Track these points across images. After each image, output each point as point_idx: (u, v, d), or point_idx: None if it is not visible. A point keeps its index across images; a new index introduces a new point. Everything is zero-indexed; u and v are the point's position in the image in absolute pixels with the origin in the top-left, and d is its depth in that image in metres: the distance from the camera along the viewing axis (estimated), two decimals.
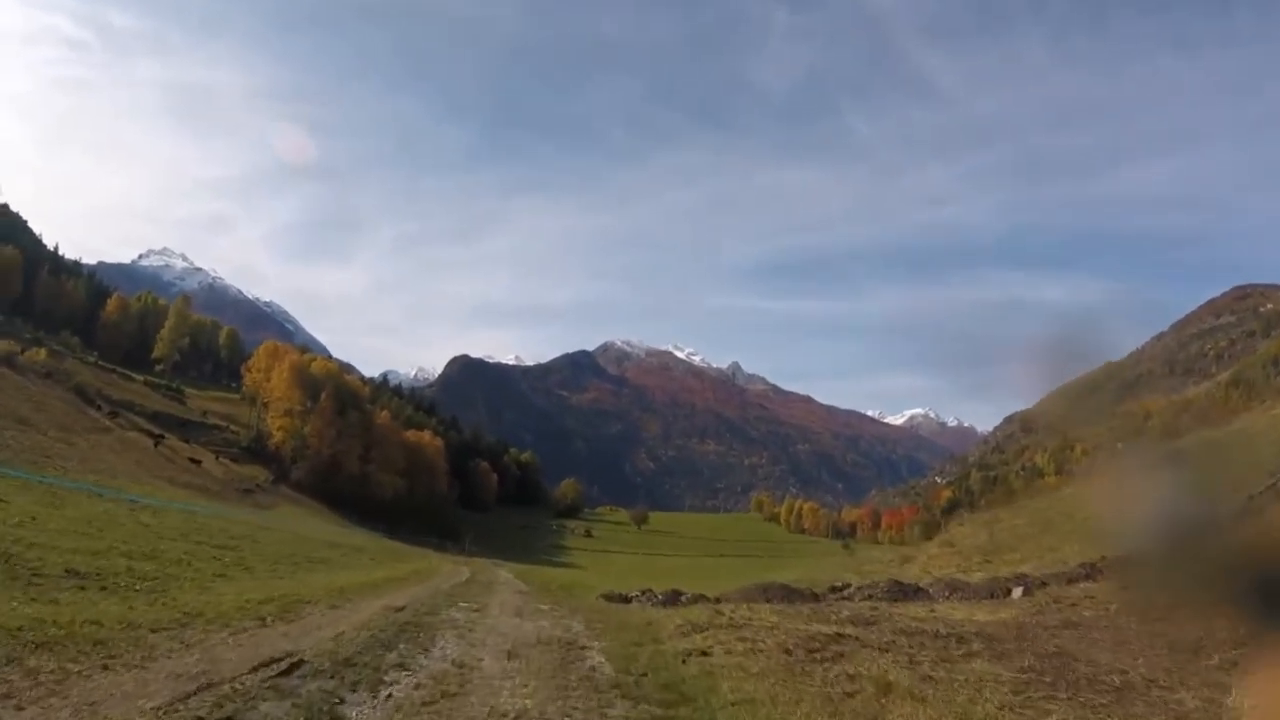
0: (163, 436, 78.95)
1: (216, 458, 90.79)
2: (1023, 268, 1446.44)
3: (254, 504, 73.29)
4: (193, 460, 76.27)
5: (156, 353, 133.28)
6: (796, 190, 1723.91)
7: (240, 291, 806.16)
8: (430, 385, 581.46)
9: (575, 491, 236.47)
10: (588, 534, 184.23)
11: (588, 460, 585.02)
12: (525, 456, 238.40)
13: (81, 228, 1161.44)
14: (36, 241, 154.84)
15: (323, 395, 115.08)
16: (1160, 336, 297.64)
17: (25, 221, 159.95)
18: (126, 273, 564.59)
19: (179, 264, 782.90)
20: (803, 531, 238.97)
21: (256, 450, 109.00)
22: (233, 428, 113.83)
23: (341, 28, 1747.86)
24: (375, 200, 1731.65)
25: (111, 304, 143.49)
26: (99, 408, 73.19)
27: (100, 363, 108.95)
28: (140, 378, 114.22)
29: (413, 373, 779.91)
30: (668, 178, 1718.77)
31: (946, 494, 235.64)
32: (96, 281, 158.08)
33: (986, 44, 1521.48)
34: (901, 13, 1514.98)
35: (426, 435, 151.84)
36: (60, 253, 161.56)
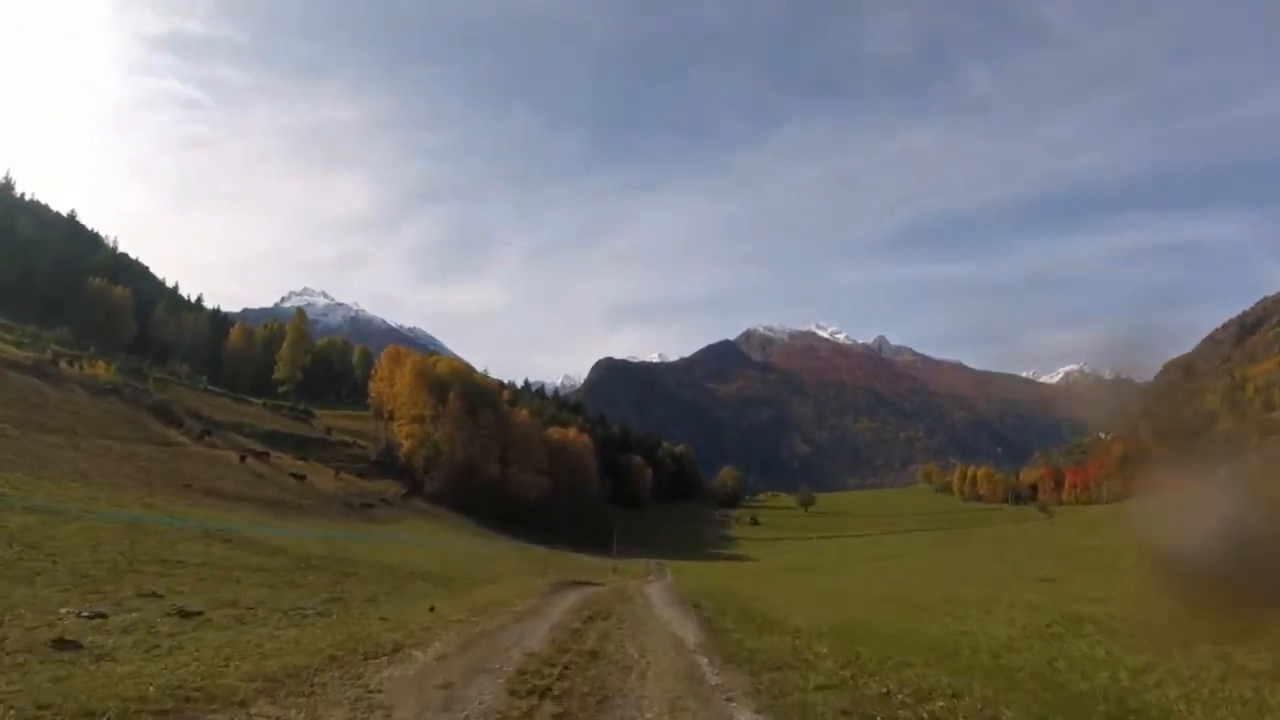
0: (264, 454, 72.62)
1: (336, 474, 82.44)
2: (1162, 209, 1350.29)
3: (366, 519, 62.93)
4: (295, 476, 67.50)
5: (277, 374, 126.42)
6: (922, 155, 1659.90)
7: (384, 321, 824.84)
8: (577, 390, 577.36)
9: (735, 479, 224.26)
10: (754, 521, 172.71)
11: (741, 449, 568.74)
12: (680, 449, 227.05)
13: (224, 280, 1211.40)
14: (153, 282, 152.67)
15: (451, 396, 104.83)
16: None
17: (144, 266, 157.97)
18: (270, 315, 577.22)
19: (321, 301, 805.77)
20: (978, 499, 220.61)
21: (386, 464, 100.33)
22: (360, 443, 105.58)
23: (443, 53, 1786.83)
24: (502, 215, 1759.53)
25: (234, 333, 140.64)
26: (180, 425, 66.67)
27: (210, 388, 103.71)
28: (260, 401, 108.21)
29: (559, 381, 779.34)
30: (789, 157, 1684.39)
31: (1118, 448, 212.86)
32: (220, 315, 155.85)
33: None
34: None
35: (572, 432, 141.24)
36: (181, 292, 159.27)
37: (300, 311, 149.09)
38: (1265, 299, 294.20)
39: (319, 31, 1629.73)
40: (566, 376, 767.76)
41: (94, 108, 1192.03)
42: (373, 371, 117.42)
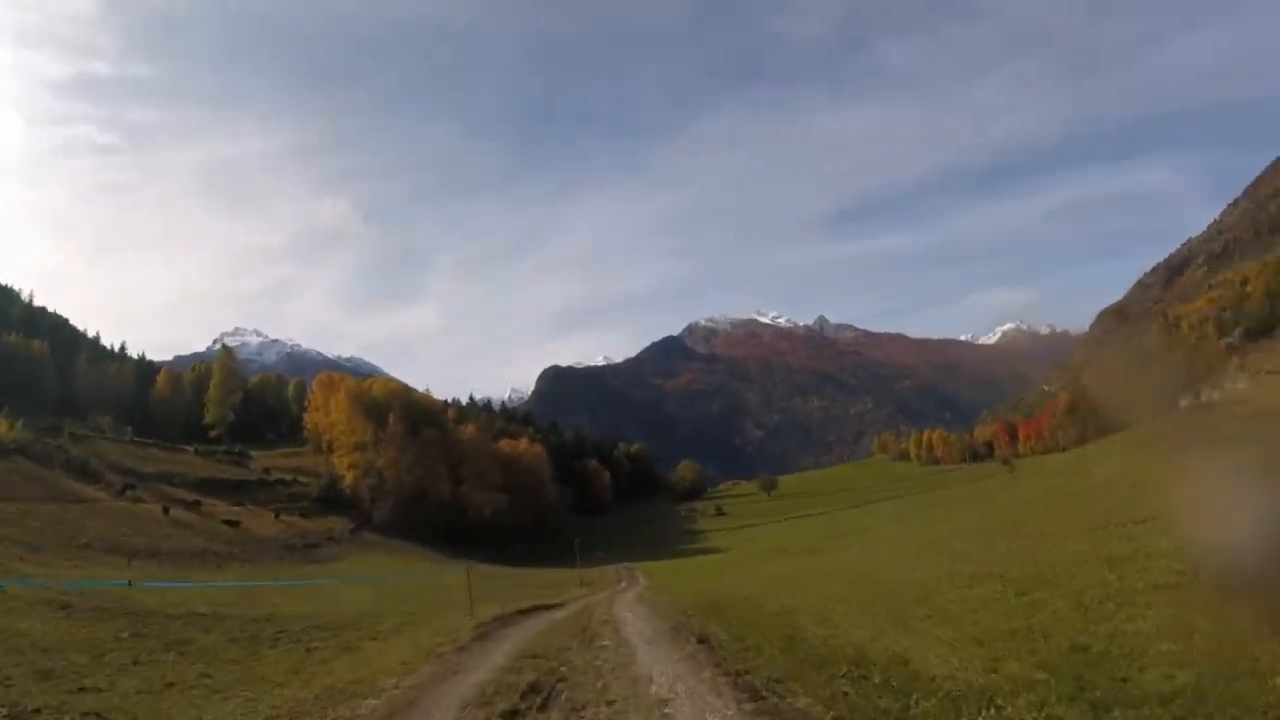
0: (195, 502, 68.11)
1: (276, 516, 77.33)
2: (1088, 164, 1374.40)
3: (308, 560, 58.58)
4: (228, 523, 62.74)
5: (207, 417, 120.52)
6: (848, 133, 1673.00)
7: (319, 353, 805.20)
8: (525, 401, 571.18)
9: (694, 472, 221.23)
10: (719, 511, 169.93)
11: (696, 442, 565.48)
12: (635, 448, 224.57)
13: (153, 327, 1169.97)
14: (73, 334, 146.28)
15: (391, 418, 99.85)
16: (1235, 203, 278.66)
17: (63, 318, 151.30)
18: (203, 359, 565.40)
19: (254, 340, 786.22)
20: (936, 462, 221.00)
21: (330, 499, 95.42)
22: (301, 480, 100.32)
23: (352, 73, 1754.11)
24: (431, 232, 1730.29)
25: (160, 380, 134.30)
26: (99, 481, 62.32)
27: (137, 439, 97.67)
28: (191, 448, 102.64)
29: (506, 393, 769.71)
30: (715, 146, 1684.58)
31: (1064, 398, 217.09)
32: (145, 363, 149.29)
33: None
34: None
35: (523, 443, 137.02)
36: (103, 342, 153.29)
37: (225, 348, 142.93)
38: (1191, 240, 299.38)
39: (227, 62, 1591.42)
40: (514, 389, 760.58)
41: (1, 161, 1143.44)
42: (307, 403, 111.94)
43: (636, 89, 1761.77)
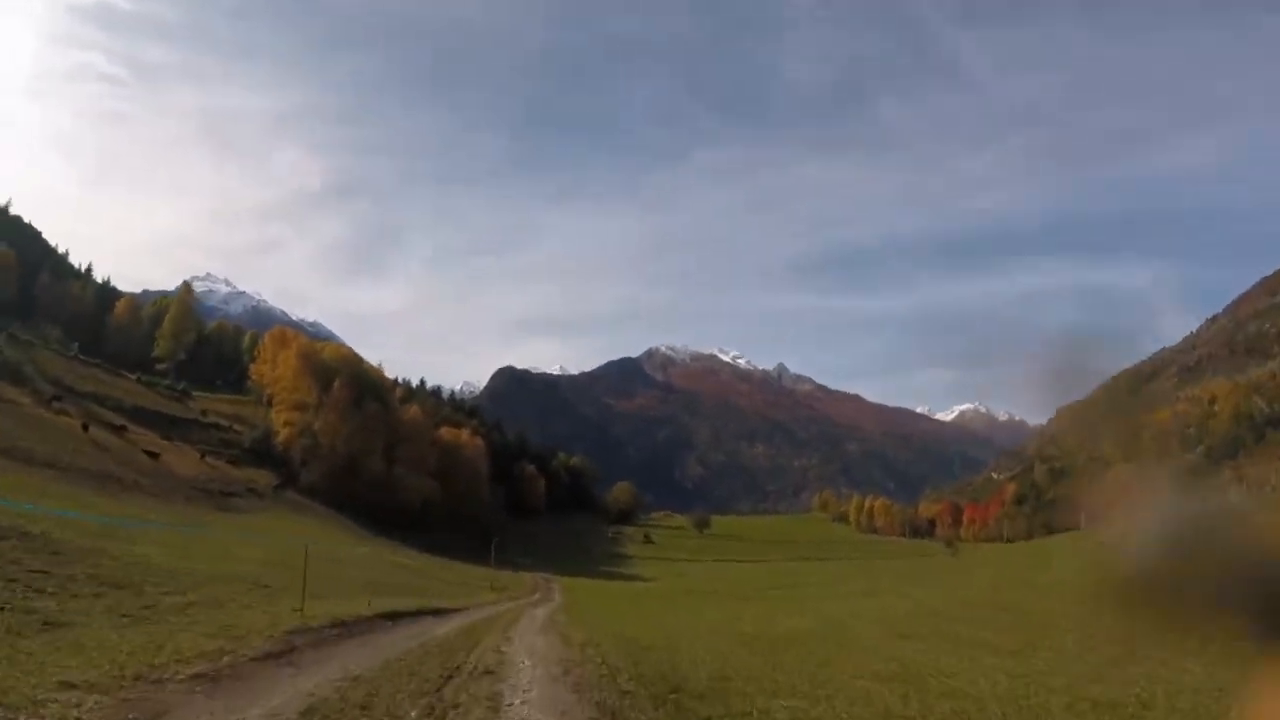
0: (121, 427, 66.92)
1: (201, 457, 75.39)
2: (1067, 252, 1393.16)
3: (219, 508, 57.27)
4: (149, 453, 61.23)
5: (157, 351, 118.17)
6: (834, 184, 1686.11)
7: (284, 313, 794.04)
8: (476, 397, 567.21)
9: (630, 495, 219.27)
10: (647, 539, 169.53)
11: (638, 467, 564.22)
12: (575, 461, 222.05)
13: (133, 260, 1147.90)
14: (44, 248, 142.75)
15: (336, 384, 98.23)
16: (1214, 319, 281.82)
17: (31, 226, 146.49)
18: (169, 298, 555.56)
19: (223, 289, 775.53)
20: (874, 531, 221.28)
21: (261, 452, 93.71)
22: (236, 428, 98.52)
23: (370, 46, 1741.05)
24: (415, 215, 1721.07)
25: (120, 307, 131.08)
26: (26, 386, 60.58)
27: (81, 356, 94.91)
28: (134, 376, 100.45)
29: (458, 386, 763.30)
30: (704, 177, 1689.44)
31: (1012, 488, 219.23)
32: (109, 289, 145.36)
33: (1017, 23, 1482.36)
34: None
35: (465, 434, 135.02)
36: (71, 260, 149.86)
37: (186, 286, 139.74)
38: (1164, 349, 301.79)
39: (249, 12, 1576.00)
40: (466, 382, 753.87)
41: (10, 74, 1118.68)
42: (255, 352, 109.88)
43: (635, 109, 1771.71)
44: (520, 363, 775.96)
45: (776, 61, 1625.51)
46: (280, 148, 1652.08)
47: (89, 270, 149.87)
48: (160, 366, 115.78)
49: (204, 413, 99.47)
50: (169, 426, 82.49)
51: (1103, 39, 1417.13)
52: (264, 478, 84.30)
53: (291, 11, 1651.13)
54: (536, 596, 46.19)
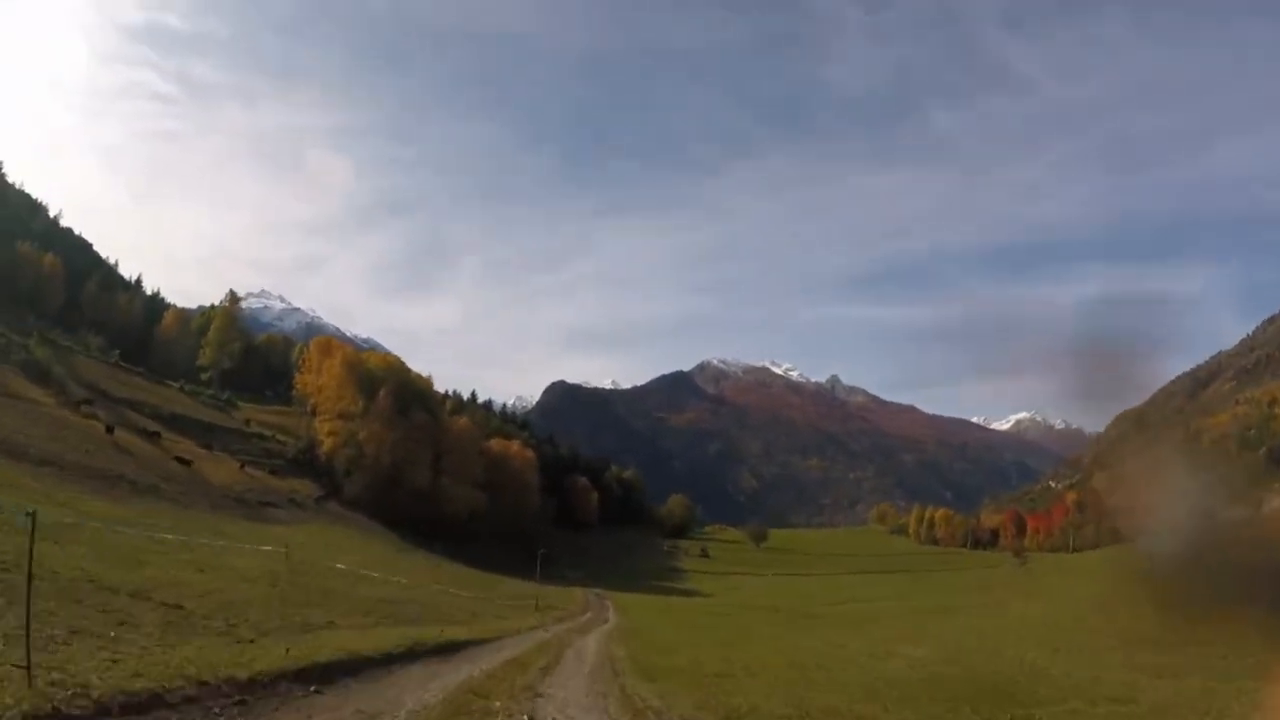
0: (155, 434, 64.65)
1: (241, 467, 72.70)
2: (1121, 259, 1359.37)
3: (254, 518, 54.47)
4: (181, 460, 58.32)
5: (202, 359, 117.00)
6: (885, 194, 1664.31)
7: (338, 329, 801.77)
8: (528, 411, 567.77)
9: (684, 508, 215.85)
10: (703, 554, 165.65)
11: (689, 481, 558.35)
12: (628, 474, 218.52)
13: (186, 277, 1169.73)
14: (91, 256, 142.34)
15: (381, 393, 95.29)
16: (1272, 320, 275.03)
17: (81, 237, 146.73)
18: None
19: (277, 305, 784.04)
20: (935, 543, 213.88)
21: (305, 463, 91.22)
22: (279, 437, 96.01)
23: (418, 63, 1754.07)
24: (464, 231, 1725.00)
25: (168, 318, 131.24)
26: (52, 387, 58.49)
27: (122, 364, 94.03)
28: (178, 384, 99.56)
29: (511, 401, 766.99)
30: (754, 188, 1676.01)
31: (1072, 496, 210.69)
32: (158, 300, 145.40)
33: (1066, 26, 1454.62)
34: (978, 2, 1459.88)
35: (515, 445, 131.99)
36: (120, 270, 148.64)
37: (232, 294, 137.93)
38: (1221, 353, 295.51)
39: (298, 31, 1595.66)
40: (519, 397, 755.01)
41: (65, 92, 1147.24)
42: (301, 362, 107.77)
43: (685, 121, 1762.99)
44: (572, 378, 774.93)
45: (824, 71, 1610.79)
46: (328, 164, 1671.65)
47: (138, 281, 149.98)
48: (205, 376, 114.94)
49: (248, 422, 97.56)
50: (208, 434, 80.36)
51: (1151, 40, 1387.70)
52: (306, 488, 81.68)
53: (336, 28, 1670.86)
54: (587, 617, 42.08)
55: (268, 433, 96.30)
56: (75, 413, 54.41)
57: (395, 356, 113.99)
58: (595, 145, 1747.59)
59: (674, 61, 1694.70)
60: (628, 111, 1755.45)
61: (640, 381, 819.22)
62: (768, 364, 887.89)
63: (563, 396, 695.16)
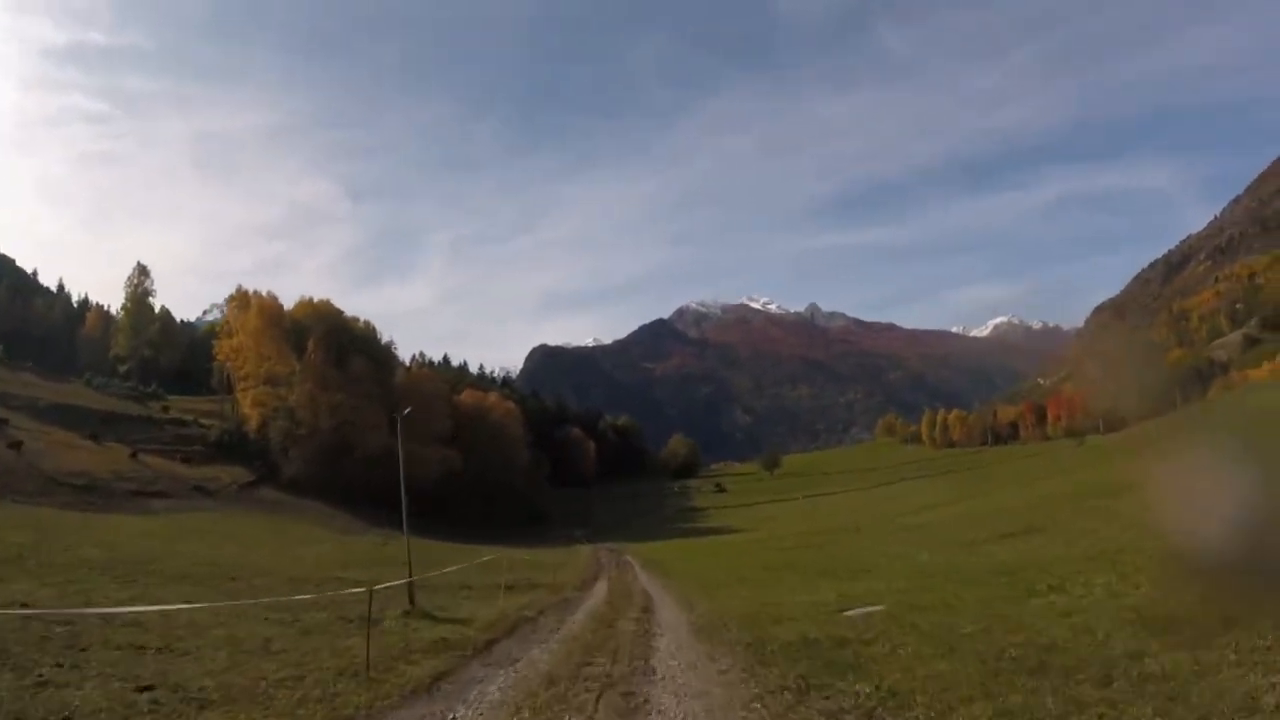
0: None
1: (133, 455, 57.98)
2: (1084, 159, 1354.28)
3: (131, 510, 39.72)
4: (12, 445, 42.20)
5: (115, 349, 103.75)
6: (848, 119, 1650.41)
7: None
8: (513, 379, 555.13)
9: (687, 447, 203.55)
10: (719, 488, 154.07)
11: (684, 426, 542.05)
12: (622, 421, 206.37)
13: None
14: (20, 275, 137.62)
15: (310, 344, 78.03)
16: (1237, 200, 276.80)
17: (10, 259, 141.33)
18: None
19: None
20: (951, 445, 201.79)
21: (232, 446, 74.87)
22: (202, 423, 79.77)
23: (349, 48, 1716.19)
24: (427, 210, 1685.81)
25: (90, 318, 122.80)
26: None
27: (9, 360, 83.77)
28: (82, 379, 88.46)
29: (495, 371, 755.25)
30: (716, 128, 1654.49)
31: (1068, 387, 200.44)
32: (85, 304, 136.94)
33: None
34: None
35: (492, 397, 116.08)
36: (39, 279, 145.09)
37: (141, 268, 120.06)
38: (1191, 236, 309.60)
39: (226, 33, 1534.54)
40: (502, 367, 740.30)
41: None
42: (219, 330, 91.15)
43: (638, 68, 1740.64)
44: (554, 340, 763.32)
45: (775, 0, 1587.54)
46: (276, 163, 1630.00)
47: (60, 287, 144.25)
48: (123, 368, 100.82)
49: (165, 410, 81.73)
50: (106, 424, 67.01)
51: None
52: (231, 474, 65.80)
53: (264, 24, 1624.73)
54: (601, 585, 26.55)
55: (188, 418, 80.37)
56: None
57: (324, 300, 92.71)
58: (551, 105, 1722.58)
59: (622, 7, 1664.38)
60: (579, 65, 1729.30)
61: (621, 335, 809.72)
62: (745, 300, 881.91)
63: (545, 360, 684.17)
